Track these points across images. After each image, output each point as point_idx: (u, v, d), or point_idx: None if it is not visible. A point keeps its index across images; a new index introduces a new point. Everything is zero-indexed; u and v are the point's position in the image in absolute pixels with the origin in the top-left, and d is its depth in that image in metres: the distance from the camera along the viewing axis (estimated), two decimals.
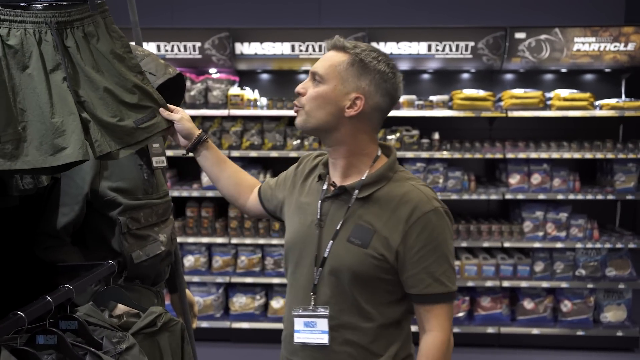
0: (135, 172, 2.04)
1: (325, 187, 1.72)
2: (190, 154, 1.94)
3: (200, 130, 1.90)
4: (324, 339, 1.64)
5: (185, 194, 5.13)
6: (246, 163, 5.30)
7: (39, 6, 1.53)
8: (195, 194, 5.13)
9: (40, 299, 1.38)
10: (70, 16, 1.55)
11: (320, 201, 1.70)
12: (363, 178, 1.66)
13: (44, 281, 1.93)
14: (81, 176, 1.91)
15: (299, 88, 1.68)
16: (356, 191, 1.65)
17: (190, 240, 5.14)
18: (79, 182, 1.91)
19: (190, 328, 2.40)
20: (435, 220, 1.59)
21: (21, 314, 1.28)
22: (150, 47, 5.11)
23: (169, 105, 1.77)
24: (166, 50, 5.14)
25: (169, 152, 5.09)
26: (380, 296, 1.64)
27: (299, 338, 1.67)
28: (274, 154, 5.05)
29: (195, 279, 5.10)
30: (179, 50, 5.14)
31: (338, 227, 1.64)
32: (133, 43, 2.33)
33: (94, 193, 1.93)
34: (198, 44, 5.11)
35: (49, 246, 1.91)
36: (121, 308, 1.85)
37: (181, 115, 1.80)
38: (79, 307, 1.70)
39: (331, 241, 1.64)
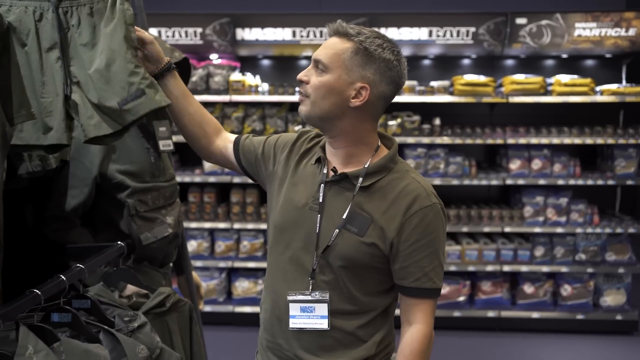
0: (142, 155, 2.06)
1: (325, 171, 1.68)
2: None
3: (169, 58, 1.78)
4: (324, 324, 1.62)
5: (187, 179, 5.15)
6: None
7: None
8: (197, 179, 5.15)
9: (54, 278, 1.41)
10: None
11: (320, 185, 1.66)
12: (366, 166, 1.63)
13: (54, 262, 1.95)
14: (89, 159, 1.93)
15: (301, 76, 1.63)
16: (360, 179, 1.62)
17: (193, 225, 5.17)
18: (88, 165, 1.93)
19: (198, 309, 2.43)
20: (432, 216, 1.59)
21: (37, 291, 1.31)
22: (151, 32, 5.10)
23: (142, 31, 1.69)
24: (167, 36, 5.14)
25: (173, 138, 5.09)
26: (371, 285, 1.64)
27: (295, 324, 1.64)
28: None
29: (198, 263, 5.14)
30: (180, 36, 5.14)
31: (344, 216, 1.61)
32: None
33: (102, 176, 1.96)
34: (199, 30, 5.10)
35: (58, 228, 1.93)
36: (130, 289, 1.88)
37: (152, 40, 1.72)
38: (89, 287, 1.73)
39: (337, 230, 1.61)
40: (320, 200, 1.64)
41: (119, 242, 1.83)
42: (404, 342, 1.62)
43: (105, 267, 1.93)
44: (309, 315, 1.63)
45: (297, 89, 1.59)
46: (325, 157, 1.70)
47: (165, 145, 2.13)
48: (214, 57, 5.37)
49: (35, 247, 1.99)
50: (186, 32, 5.13)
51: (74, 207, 1.93)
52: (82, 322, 1.44)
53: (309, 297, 1.62)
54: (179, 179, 5.07)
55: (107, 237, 2.01)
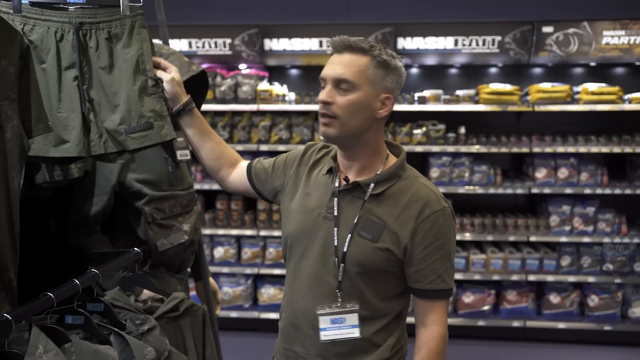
0: (160, 164, 2.15)
1: (337, 181, 1.72)
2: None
3: (189, 96, 1.85)
4: (355, 333, 1.66)
5: (215, 187, 5.24)
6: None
7: (72, 8, 1.65)
8: None
9: (68, 282, 1.49)
10: (97, 18, 1.65)
11: (333, 195, 1.70)
12: (378, 173, 1.69)
13: (75, 267, 2.05)
14: (109, 168, 2.03)
15: (326, 97, 1.63)
16: (371, 186, 1.67)
17: (220, 232, 5.27)
18: (107, 174, 2.03)
19: (214, 314, 2.51)
20: (442, 220, 1.65)
21: (50, 294, 1.39)
22: (182, 43, 5.25)
23: (162, 61, 1.76)
24: (197, 47, 5.27)
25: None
26: (385, 290, 1.69)
27: (326, 336, 1.67)
28: (302, 148, 5.12)
29: (225, 270, 5.23)
30: (210, 46, 5.26)
31: (355, 222, 1.66)
32: (160, 41, 2.44)
33: (121, 184, 2.05)
34: (228, 41, 5.22)
35: (79, 234, 2.03)
36: (146, 293, 1.96)
37: (172, 76, 1.77)
38: (106, 291, 1.82)
39: (349, 235, 1.66)
40: (335, 209, 1.69)
41: (135, 249, 1.91)
42: (420, 343, 1.67)
43: (123, 272, 2.01)
44: (340, 326, 1.67)
45: (319, 111, 1.63)
46: (337, 167, 1.75)
47: (183, 155, 2.21)
48: (243, 67, 5.48)
49: (58, 253, 2.09)
50: (215, 43, 5.25)
51: (94, 214, 2.02)
52: (94, 325, 1.51)
53: (339, 309, 1.67)
54: (207, 186, 5.22)
55: (126, 243, 2.10)
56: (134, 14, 1.68)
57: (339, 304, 1.67)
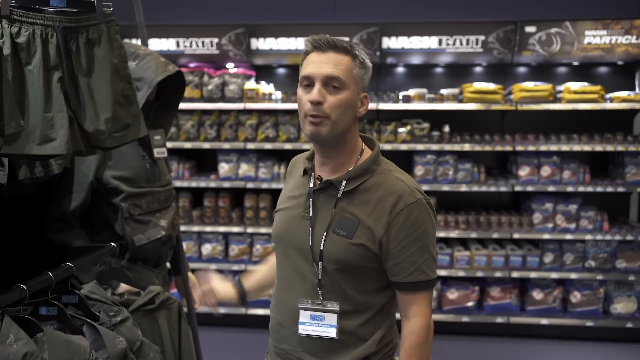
0: (137, 162, 2.20)
1: (312, 181, 1.75)
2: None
3: (234, 284, 2.06)
4: (332, 333, 1.68)
5: (203, 184, 5.30)
6: (261, 155, 5.46)
7: (50, 9, 1.70)
8: (212, 184, 5.31)
9: (42, 275, 1.55)
10: (78, 23, 1.71)
11: (308, 195, 1.73)
12: (350, 170, 1.70)
13: (55, 261, 2.10)
14: (87, 165, 2.08)
15: (318, 97, 1.61)
16: (343, 183, 1.69)
17: (208, 229, 5.32)
18: (85, 170, 2.08)
19: (192, 308, 2.56)
20: (417, 212, 1.65)
21: (23, 286, 1.45)
22: (169, 43, 5.30)
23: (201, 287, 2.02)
24: (185, 46, 5.31)
25: (188, 144, 5.28)
26: (366, 284, 1.70)
27: (304, 330, 1.71)
28: (288, 146, 5.20)
29: (213, 266, 5.29)
30: (197, 46, 5.31)
31: (330, 221, 1.68)
32: (139, 41, 2.49)
33: (98, 181, 2.10)
34: (215, 40, 5.27)
35: (58, 229, 2.08)
36: (123, 287, 2.02)
37: (213, 301, 2.04)
38: (84, 284, 1.87)
39: (325, 233, 1.68)
40: (310, 208, 1.72)
41: (112, 243, 1.97)
42: (403, 336, 1.69)
43: (100, 266, 2.07)
44: (319, 323, 1.70)
45: (308, 112, 1.59)
46: (311, 168, 1.78)
47: (160, 152, 2.26)
48: (230, 66, 5.53)
49: (40, 248, 2.14)
50: (203, 42, 5.30)
51: (72, 210, 2.08)
52: (67, 316, 1.57)
53: (320, 307, 1.69)
54: (194, 184, 5.28)
55: (105, 238, 2.16)
56: (107, 19, 1.75)
57: (320, 302, 1.69)
